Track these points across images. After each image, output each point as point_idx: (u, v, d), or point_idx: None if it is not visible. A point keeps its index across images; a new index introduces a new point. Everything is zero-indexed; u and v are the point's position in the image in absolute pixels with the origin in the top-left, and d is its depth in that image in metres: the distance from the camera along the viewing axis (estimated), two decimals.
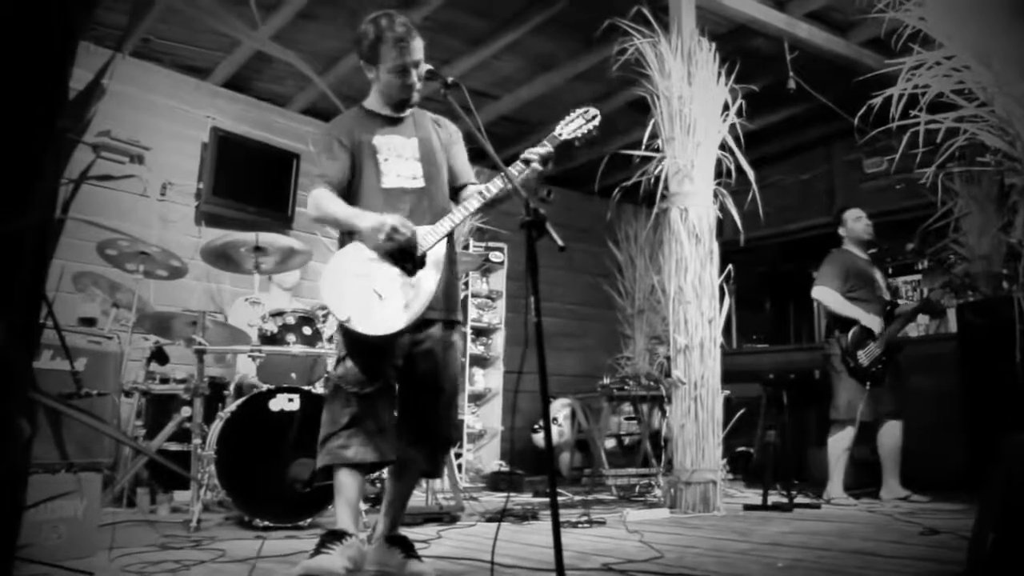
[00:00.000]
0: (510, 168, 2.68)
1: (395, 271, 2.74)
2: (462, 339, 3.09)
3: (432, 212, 2.90)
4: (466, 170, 3.15)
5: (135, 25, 6.03)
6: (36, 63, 0.99)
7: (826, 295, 5.63)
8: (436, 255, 2.77)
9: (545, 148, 2.84)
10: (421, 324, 2.77)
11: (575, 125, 2.91)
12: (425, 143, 3.00)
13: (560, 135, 2.90)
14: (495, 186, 2.78)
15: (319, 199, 2.82)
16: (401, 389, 2.88)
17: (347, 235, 2.87)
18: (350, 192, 2.88)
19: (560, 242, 2.18)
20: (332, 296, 2.72)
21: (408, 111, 3.02)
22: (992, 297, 5.69)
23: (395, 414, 2.88)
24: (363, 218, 2.73)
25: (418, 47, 2.86)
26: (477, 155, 3.03)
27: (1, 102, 0.96)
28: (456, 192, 3.10)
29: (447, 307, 2.91)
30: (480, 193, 2.82)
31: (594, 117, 2.92)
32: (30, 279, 1.00)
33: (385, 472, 3.10)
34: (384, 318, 2.68)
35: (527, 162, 2.80)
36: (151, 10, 5.62)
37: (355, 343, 2.75)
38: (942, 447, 5.68)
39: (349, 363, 2.77)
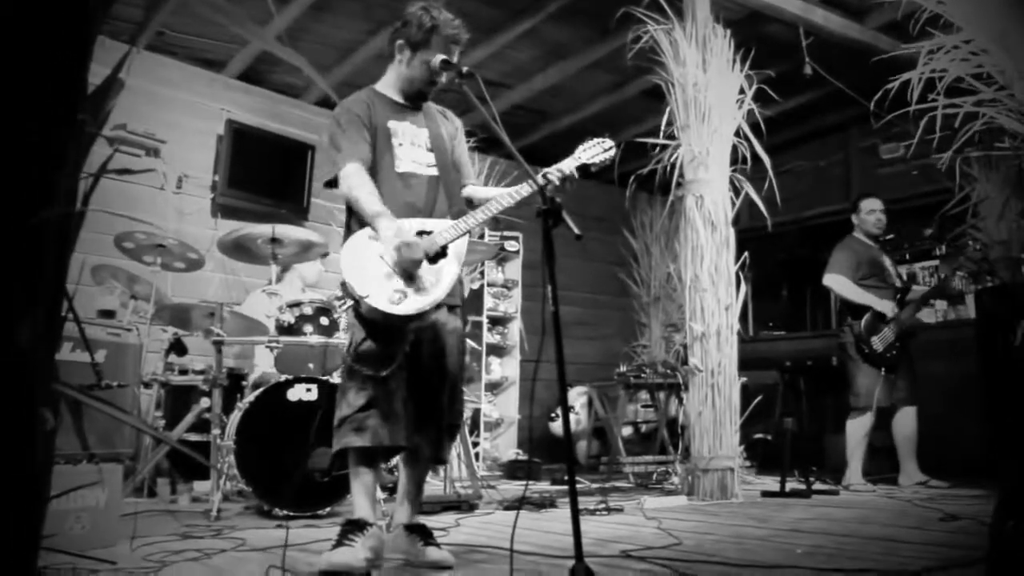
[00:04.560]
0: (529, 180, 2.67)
1: None
2: (463, 323, 3.09)
3: (449, 200, 2.93)
4: (468, 169, 3.16)
5: (150, 19, 6.05)
6: (57, 58, 1.00)
7: (838, 282, 5.62)
8: (458, 248, 2.77)
9: (568, 168, 2.81)
10: (429, 310, 2.76)
11: (592, 152, 2.90)
12: (436, 134, 3.01)
13: (579, 158, 2.89)
14: (518, 193, 2.74)
15: (352, 176, 2.78)
16: (407, 375, 2.88)
17: (355, 218, 2.87)
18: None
19: (576, 230, 2.18)
20: (352, 273, 2.69)
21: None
22: (1011, 283, 5.64)
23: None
24: (382, 223, 2.68)
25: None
26: (492, 144, 3.03)
27: (24, 97, 0.97)
28: None
29: (452, 292, 2.92)
30: (506, 196, 2.78)
31: (610, 148, 2.92)
32: (52, 272, 1.01)
33: (399, 460, 3.10)
34: (403, 298, 2.68)
35: (546, 178, 2.79)
36: (165, 4, 5.65)
37: (372, 325, 2.75)
38: (961, 432, 5.66)
39: (365, 345, 2.76)
